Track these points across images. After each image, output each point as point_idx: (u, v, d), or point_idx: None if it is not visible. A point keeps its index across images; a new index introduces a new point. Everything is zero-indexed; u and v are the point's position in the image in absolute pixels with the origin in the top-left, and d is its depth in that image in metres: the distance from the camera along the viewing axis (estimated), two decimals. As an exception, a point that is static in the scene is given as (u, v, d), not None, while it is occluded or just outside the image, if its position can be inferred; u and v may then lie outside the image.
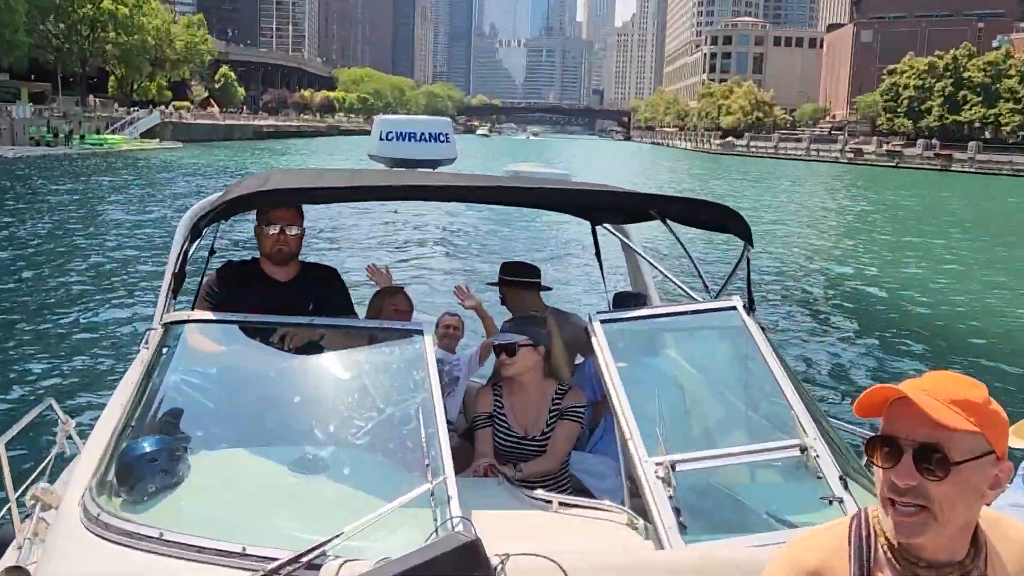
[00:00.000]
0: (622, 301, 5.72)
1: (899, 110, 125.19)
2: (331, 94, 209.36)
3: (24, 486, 4.07)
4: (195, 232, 4.53)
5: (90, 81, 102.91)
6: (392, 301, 5.27)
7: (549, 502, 3.67)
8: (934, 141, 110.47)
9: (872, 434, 2.02)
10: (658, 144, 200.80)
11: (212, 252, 5.18)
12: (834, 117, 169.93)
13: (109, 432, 3.73)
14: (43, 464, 4.41)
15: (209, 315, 4.13)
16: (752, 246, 4.50)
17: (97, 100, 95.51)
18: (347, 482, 3.47)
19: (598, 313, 4.16)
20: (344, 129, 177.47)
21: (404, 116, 6.51)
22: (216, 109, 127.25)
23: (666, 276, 5.45)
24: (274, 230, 4.50)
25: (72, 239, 25.24)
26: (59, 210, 32.00)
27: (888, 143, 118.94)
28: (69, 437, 4.79)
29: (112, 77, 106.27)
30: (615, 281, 6.97)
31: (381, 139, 5.77)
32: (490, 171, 7.33)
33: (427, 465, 3.30)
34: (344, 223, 28.99)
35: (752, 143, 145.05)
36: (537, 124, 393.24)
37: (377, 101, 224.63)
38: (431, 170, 5.74)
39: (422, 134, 5.75)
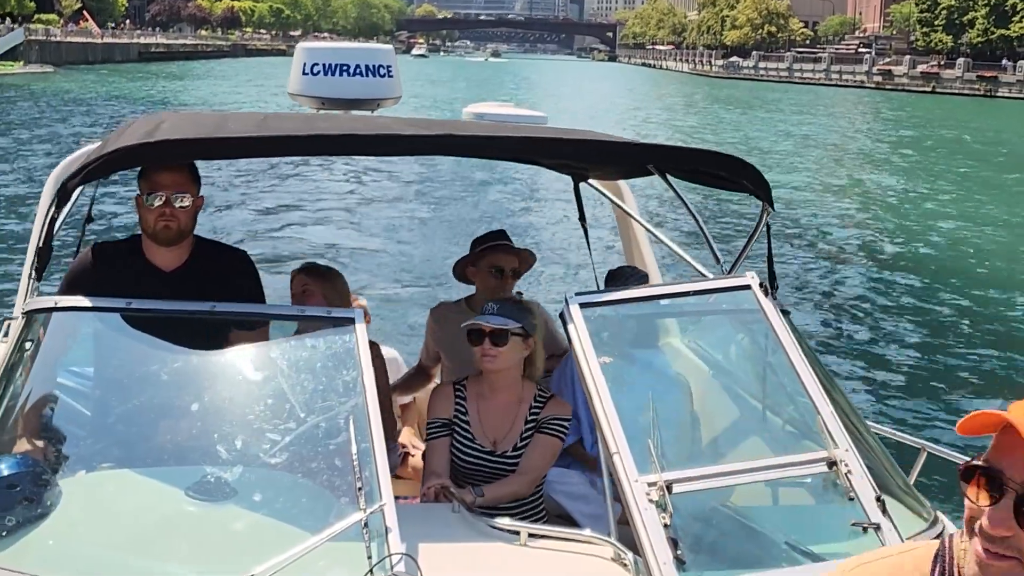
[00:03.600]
0: (617, 279, 5.57)
1: (936, 23, 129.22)
2: (237, 4, 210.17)
3: None
4: (63, 195, 4.41)
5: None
6: (304, 280, 5.25)
7: (516, 533, 3.69)
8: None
9: (966, 459, 2.02)
10: (649, 65, 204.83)
11: (89, 219, 5.18)
12: (865, 31, 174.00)
13: None
14: None
15: (84, 301, 4.05)
16: (772, 209, 4.54)
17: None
18: (259, 511, 3.49)
19: (576, 295, 4.15)
20: (253, 49, 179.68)
21: (334, 43, 6.49)
22: (92, 24, 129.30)
23: (667, 245, 5.34)
24: (158, 201, 4.31)
25: None
26: None
27: (926, 63, 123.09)
28: None
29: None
30: (607, 256, 7.35)
31: (305, 73, 5.79)
32: (412, 112, 7.84)
33: (360, 489, 3.31)
34: (250, 179, 28.65)
35: (761, 64, 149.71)
36: (501, 41, 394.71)
37: (295, 13, 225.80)
38: (369, 112, 5.85)
39: (357, 67, 5.73)
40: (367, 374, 3.69)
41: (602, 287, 5.41)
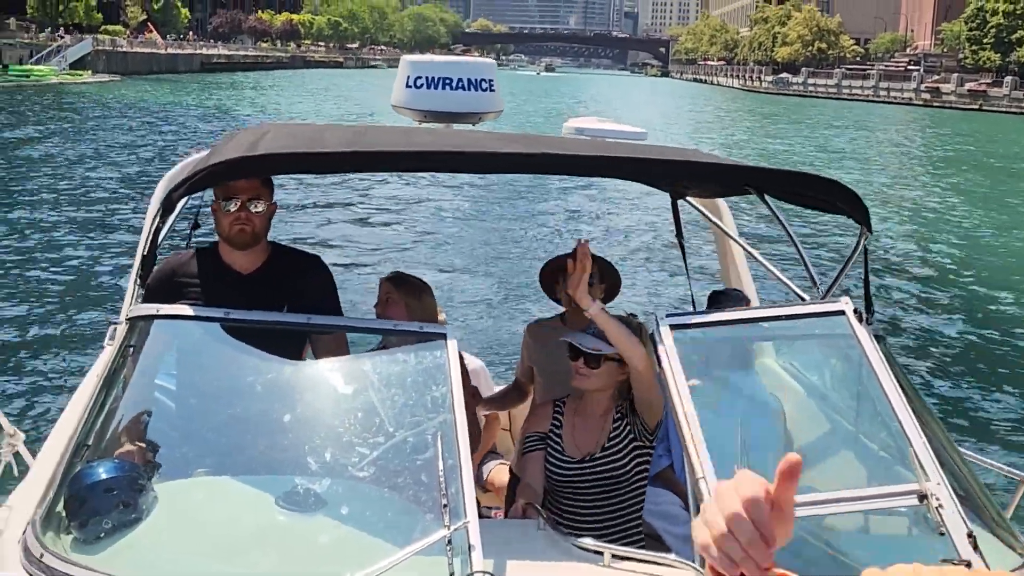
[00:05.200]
0: (721, 302, 5.59)
1: (985, 41, 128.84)
2: (296, 17, 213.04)
3: None
4: (168, 205, 4.50)
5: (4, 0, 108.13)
6: (388, 289, 5.26)
7: (600, 553, 3.70)
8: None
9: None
10: (700, 81, 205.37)
11: (196, 227, 5.21)
12: (916, 49, 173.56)
13: (60, 451, 3.81)
14: None
15: (184, 309, 4.14)
16: (871, 232, 4.53)
17: (17, 24, 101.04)
18: (347, 523, 3.55)
19: (667, 316, 4.15)
20: (311, 60, 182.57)
21: (439, 57, 6.55)
22: (156, 35, 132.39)
23: (763, 265, 5.30)
24: (234, 206, 4.43)
25: (17, 201, 25.77)
26: None
27: (974, 81, 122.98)
28: (17, 453, 4.79)
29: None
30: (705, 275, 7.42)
31: (408, 86, 5.87)
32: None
33: (445, 505, 3.36)
34: (327, 185, 28.37)
35: (810, 81, 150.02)
36: (555, 56, 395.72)
37: (352, 26, 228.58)
38: (470, 126, 5.88)
39: (460, 80, 5.80)
40: (456, 391, 3.72)
41: (700, 306, 5.34)
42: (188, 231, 5.42)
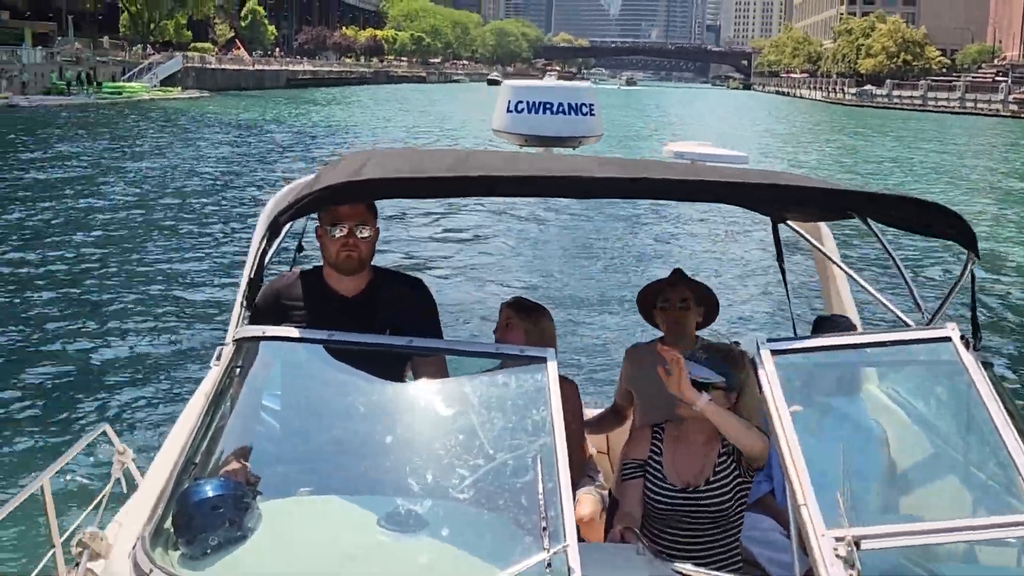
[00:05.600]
0: (825, 327, 5.62)
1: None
2: (379, 33, 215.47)
3: (72, 529, 4.20)
4: (274, 229, 4.64)
5: (98, 19, 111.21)
6: (509, 314, 5.35)
7: None
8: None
9: None
10: (783, 93, 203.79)
11: (300, 250, 5.27)
12: (1004, 59, 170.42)
13: (169, 469, 3.89)
14: (96, 501, 4.46)
15: (290, 331, 4.24)
16: (978, 258, 4.48)
17: (111, 42, 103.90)
18: (447, 544, 3.57)
19: (768, 341, 4.14)
20: (394, 75, 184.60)
21: (539, 82, 6.61)
22: (243, 52, 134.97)
23: (867, 291, 5.18)
24: (341, 232, 4.51)
25: (122, 220, 26.27)
26: (97, 181, 34.09)
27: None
28: (126, 470, 4.89)
29: (125, 14, 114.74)
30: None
31: (509, 110, 5.93)
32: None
33: (545, 528, 3.40)
34: (411, 208, 28.10)
35: (894, 92, 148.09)
36: (636, 69, 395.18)
37: (435, 41, 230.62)
38: (571, 150, 5.99)
39: (561, 105, 5.89)
40: (556, 414, 3.75)
41: (801, 332, 5.32)
42: (293, 253, 5.47)
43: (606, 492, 5.72)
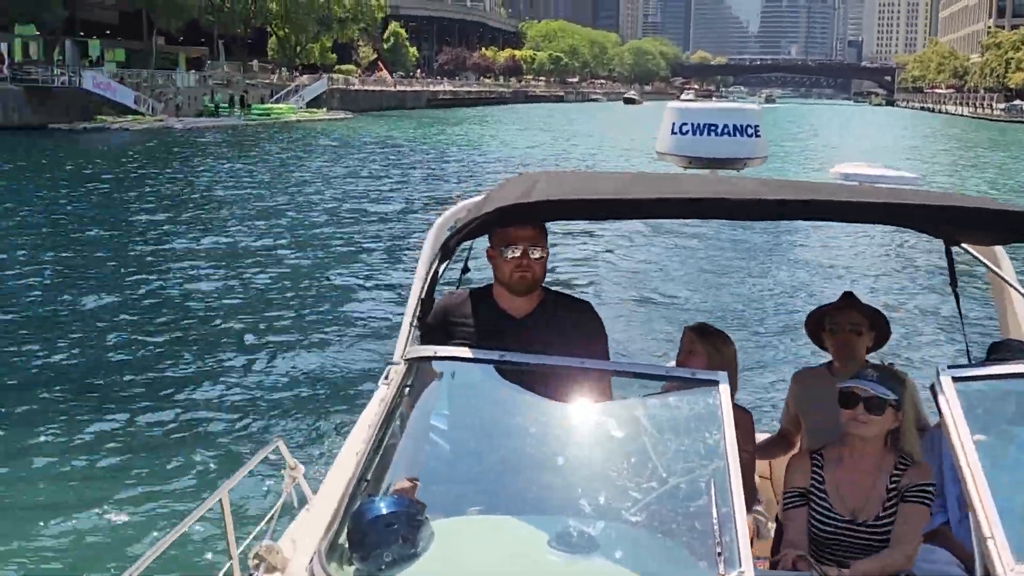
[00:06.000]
0: (1001, 352, 5.38)
1: None
2: (518, 53, 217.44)
3: (247, 542, 4.30)
4: (445, 251, 4.76)
5: (247, 43, 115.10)
6: (692, 338, 5.32)
7: None
8: None
9: None
10: (928, 109, 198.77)
11: (466, 270, 5.31)
12: None
13: (342, 485, 3.96)
14: (268, 515, 4.62)
15: (461, 351, 4.30)
16: None
17: (259, 65, 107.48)
18: (620, 566, 3.53)
19: (949, 368, 4.07)
20: (532, 95, 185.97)
21: (704, 104, 6.65)
22: (386, 74, 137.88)
23: None
24: (514, 253, 4.57)
25: (285, 237, 27.14)
26: (254, 199, 35.14)
27: None
28: (296, 485, 4.97)
29: (273, 39, 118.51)
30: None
31: (674, 132, 5.97)
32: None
33: (719, 554, 3.38)
34: (568, 229, 27.72)
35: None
36: (776, 86, 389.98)
37: (572, 60, 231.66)
38: (735, 172, 5.96)
39: (725, 127, 5.91)
40: (729, 438, 3.72)
41: (976, 358, 5.16)
42: (459, 273, 5.50)
43: (764, 519, 5.64)
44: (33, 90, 66.20)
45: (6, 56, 73.74)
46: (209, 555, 7.90)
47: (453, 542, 3.61)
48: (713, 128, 5.89)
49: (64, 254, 23.65)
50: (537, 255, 4.61)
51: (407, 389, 4.23)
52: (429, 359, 4.29)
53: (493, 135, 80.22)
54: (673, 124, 5.97)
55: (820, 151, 66.25)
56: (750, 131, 5.94)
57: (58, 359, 14.47)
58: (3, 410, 11.88)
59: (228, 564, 4.05)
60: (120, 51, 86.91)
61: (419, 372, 4.28)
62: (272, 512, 4.68)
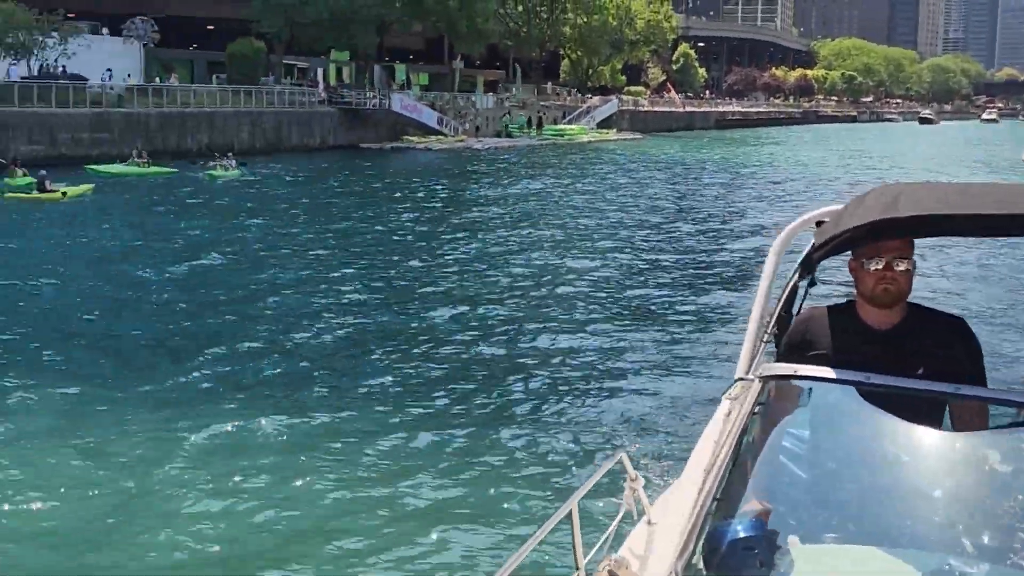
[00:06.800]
0: None
1: None
2: (809, 72, 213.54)
3: (591, 553, 4.25)
4: (807, 266, 4.67)
5: (541, 66, 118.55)
6: None
7: None
8: None
9: None
10: None
11: (812, 284, 5.14)
12: None
13: (689, 502, 3.82)
14: (610, 528, 4.58)
15: (823, 371, 4.10)
16: None
17: (554, 87, 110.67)
18: None
19: None
20: (823, 115, 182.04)
21: None
22: (675, 95, 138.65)
23: None
24: (877, 265, 4.42)
25: (600, 250, 27.55)
26: (571, 214, 36.39)
27: None
28: (636, 498, 4.91)
29: (565, 61, 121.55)
30: None
31: None
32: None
33: None
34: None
35: None
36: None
37: (867, 79, 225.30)
38: None
39: None
40: None
41: None
42: (803, 288, 5.32)
43: None
44: (346, 112, 70.68)
45: (321, 80, 79.44)
46: (552, 564, 8.01)
47: (812, 571, 3.45)
48: None
49: (398, 264, 24.88)
50: (902, 267, 4.42)
51: (759, 407, 4.13)
52: (787, 377, 4.16)
53: (789, 155, 79.24)
54: None
55: None
56: None
57: (400, 367, 14.96)
58: (356, 428, 12.18)
59: (574, 575, 3.97)
60: (424, 75, 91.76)
61: (773, 390, 4.20)
62: (613, 524, 4.59)
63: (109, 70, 58.14)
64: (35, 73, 53.22)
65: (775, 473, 3.96)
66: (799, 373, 4.13)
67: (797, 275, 4.88)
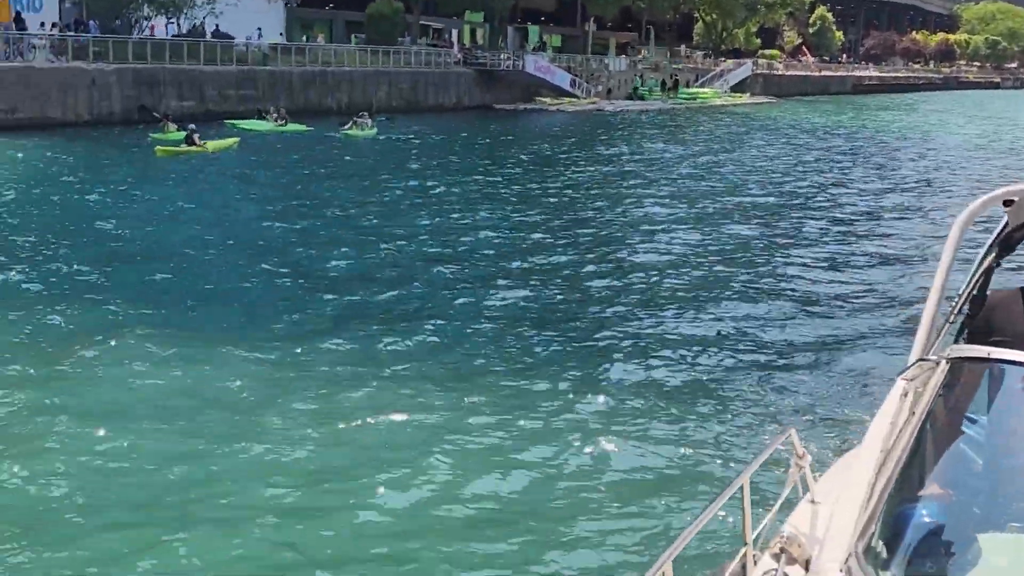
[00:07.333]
0: None
1: None
2: (951, 37, 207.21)
3: (758, 529, 4.19)
4: (1006, 245, 4.48)
5: (674, 28, 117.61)
6: None
7: None
8: None
9: None
10: None
11: (998, 264, 4.93)
12: None
13: (866, 484, 3.74)
14: (775, 505, 4.48)
15: (1017, 354, 3.91)
16: None
17: (687, 50, 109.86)
18: None
19: None
20: (964, 81, 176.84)
21: None
22: (810, 58, 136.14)
23: None
24: None
25: (757, 220, 27.13)
26: (717, 177, 36.32)
27: None
28: (802, 475, 4.78)
29: (699, 24, 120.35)
30: None
31: None
32: None
33: None
34: None
35: None
36: None
37: (1012, 44, 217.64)
38: None
39: None
40: None
41: None
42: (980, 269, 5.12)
43: None
44: (481, 73, 71.33)
45: (456, 42, 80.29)
46: (718, 537, 7.82)
47: (996, 560, 3.37)
48: None
49: (514, 215, 25.64)
50: None
51: (943, 390, 4.00)
52: (982, 361, 4.00)
53: (925, 122, 77.29)
54: None
55: None
56: None
57: (566, 339, 14.90)
58: (525, 401, 12.05)
59: (743, 549, 3.94)
60: (556, 37, 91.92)
61: (959, 373, 4.04)
62: (779, 501, 4.54)
63: (259, 29, 59.80)
64: (183, 32, 55.05)
65: (957, 458, 3.88)
66: (994, 356, 3.96)
67: (994, 254, 4.67)
